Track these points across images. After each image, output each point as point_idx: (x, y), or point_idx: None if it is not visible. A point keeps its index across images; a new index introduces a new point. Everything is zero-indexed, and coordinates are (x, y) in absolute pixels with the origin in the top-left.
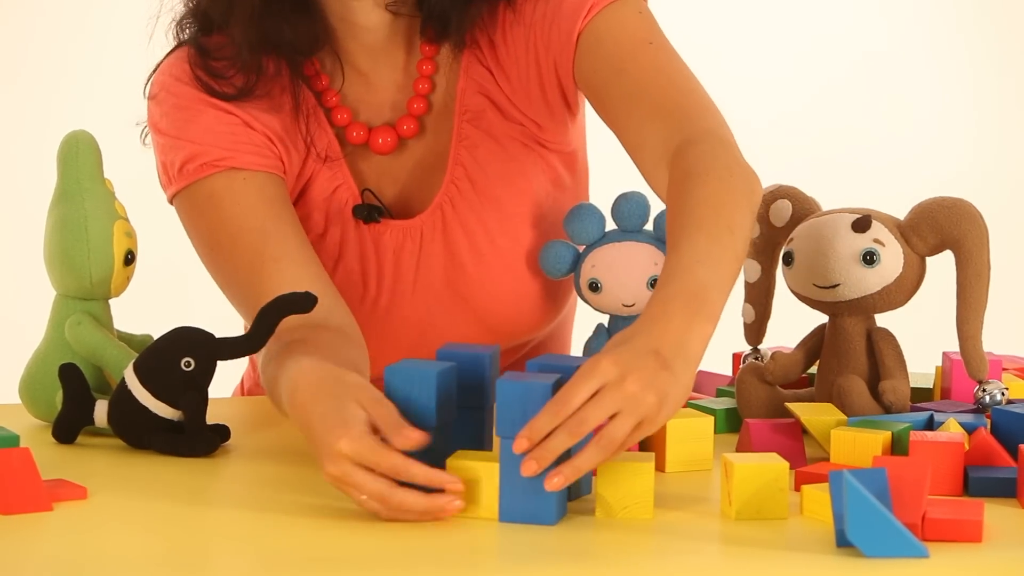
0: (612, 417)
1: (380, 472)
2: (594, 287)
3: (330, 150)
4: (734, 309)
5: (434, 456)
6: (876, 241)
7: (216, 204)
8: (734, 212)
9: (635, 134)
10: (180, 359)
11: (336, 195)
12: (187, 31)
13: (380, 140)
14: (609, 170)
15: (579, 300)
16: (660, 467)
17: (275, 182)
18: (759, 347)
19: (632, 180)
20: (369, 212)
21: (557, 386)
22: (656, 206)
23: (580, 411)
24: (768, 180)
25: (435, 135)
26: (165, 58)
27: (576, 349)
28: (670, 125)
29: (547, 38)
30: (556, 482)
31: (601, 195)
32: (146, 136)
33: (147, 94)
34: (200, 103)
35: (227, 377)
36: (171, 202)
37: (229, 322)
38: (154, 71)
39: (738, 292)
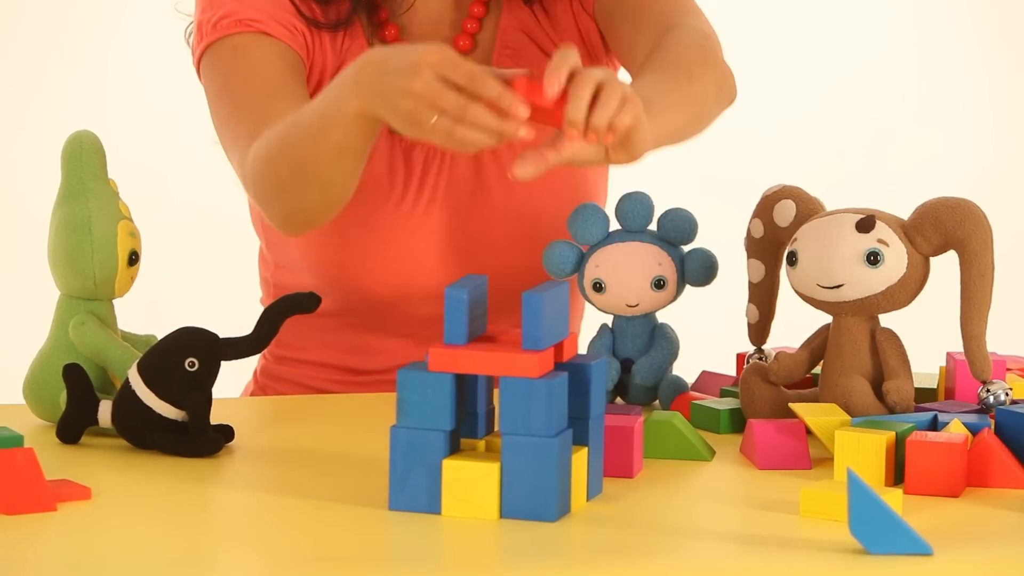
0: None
1: (457, 81)
2: (598, 287)
3: None
4: (738, 309)
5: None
6: (880, 241)
7: (239, 56)
8: (694, 66)
9: (629, 43)
10: (184, 359)
11: None
12: None
13: None
14: (611, 170)
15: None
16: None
17: (297, 58)
18: (763, 347)
19: (634, 180)
20: None
21: (561, 385)
22: (660, 206)
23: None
24: (776, 180)
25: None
26: None
27: (580, 349)
28: (660, 24)
29: None
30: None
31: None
32: (191, 30)
33: None
34: None
35: (234, 376)
36: (199, 67)
37: (232, 322)
38: None
39: (742, 292)
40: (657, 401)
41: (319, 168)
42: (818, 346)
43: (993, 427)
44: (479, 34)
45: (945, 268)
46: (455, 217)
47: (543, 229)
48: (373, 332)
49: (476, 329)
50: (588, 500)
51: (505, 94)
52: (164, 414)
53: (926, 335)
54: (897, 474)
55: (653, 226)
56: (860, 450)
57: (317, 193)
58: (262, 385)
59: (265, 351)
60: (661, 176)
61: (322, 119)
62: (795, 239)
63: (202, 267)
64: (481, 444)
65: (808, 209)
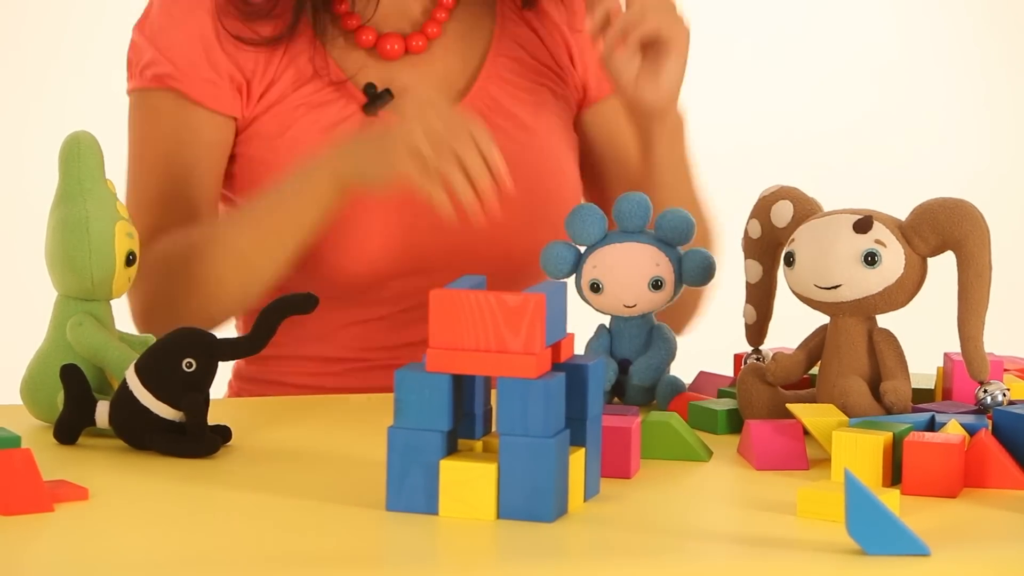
0: None
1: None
2: (595, 288)
3: (331, 70)
4: (735, 309)
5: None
6: (877, 242)
7: (155, 120)
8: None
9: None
10: (181, 360)
11: (334, 95)
12: None
13: (389, 46)
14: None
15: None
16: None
17: (212, 122)
18: (760, 348)
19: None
20: (378, 96)
21: (559, 386)
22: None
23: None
24: (773, 181)
25: (457, 59)
26: None
27: (578, 349)
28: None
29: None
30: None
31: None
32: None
33: None
34: (192, 5)
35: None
36: (128, 93)
37: (231, 323)
38: None
39: (739, 293)
40: (655, 402)
41: (262, 255)
42: (815, 347)
43: (991, 428)
44: (453, 24)
45: (943, 269)
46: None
47: (519, 205)
48: (343, 313)
49: None
50: (585, 501)
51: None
52: (161, 415)
53: (923, 336)
54: (894, 475)
55: (651, 227)
56: (857, 451)
57: (239, 289)
58: (236, 389)
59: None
60: None
61: (282, 203)
62: (792, 240)
63: None
64: (478, 445)
65: (805, 210)
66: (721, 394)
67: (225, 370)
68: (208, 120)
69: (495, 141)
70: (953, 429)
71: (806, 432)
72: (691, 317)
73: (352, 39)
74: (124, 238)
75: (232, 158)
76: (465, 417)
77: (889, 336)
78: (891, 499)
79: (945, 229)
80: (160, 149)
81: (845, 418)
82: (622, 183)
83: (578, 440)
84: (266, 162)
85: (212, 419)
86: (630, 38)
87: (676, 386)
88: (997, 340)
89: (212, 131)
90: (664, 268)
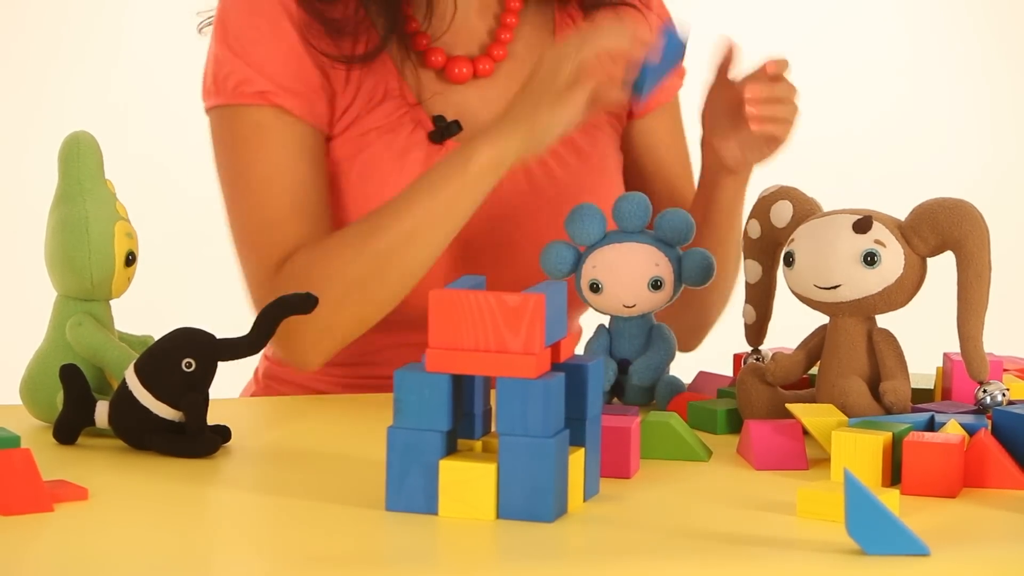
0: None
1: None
2: (595, 288)
3: (401, 85)
4: (735, 310)
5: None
6: (877, 242)
7: (261, 137)
8: None
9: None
10: (181, 360)
11: (403, 120)
12: None
13: (457, 70)
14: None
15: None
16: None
17: (314, 135)
18: (760, 348)
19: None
20: (447, 128)
21: (558, 386)
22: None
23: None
24: (773, 181)
25: (518, 82)
26: None
27: (578, 349)
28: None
29: None
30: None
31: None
32: (206, 24)
33: None
34: (276, 16)
35: (232, 377)
36: (208, 110)
37: (230, 323)
38: None
39: (739, 293)
40: (654, 402)
41: (427, 237)
42: (815, 347)
43: (990, 428)
44: (515, 45)
45: (942, 269)
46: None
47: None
48: (388, 336)
49: None
50: (585, 501)
51: None
52: (161, 415)
53: (923, 336)
54: (894, 475)
55: (650, 227)
56: (857, 451)
57: (398, 281)
58: (264, 386)
59: (267, 353)
60: None
61: (446, 184)
62: (792, 240)
63: (199, 268)
64: (478, 445)
65: (805, 210)
66: (721, 394)
67: (246, 368)
68: (311, 135)
69: (551, 167)
70: (953, 429)
71: (806, 432)
72: (719, 311)
73: (421, 59)
74: (124, 238)
75: None
76: (465, 417)
77: (889, 336)
78: (891, 499)
79: (945, 229)
80: (274, 164)
81: (845, 418)
82: (664, 197)
83: (578, 440)
84: (337, 186)
85: (213, 419)
86: (768, 125)
87: (676, 386)
88: (997, 340)
89: (316, 144)
90: (664, 268)
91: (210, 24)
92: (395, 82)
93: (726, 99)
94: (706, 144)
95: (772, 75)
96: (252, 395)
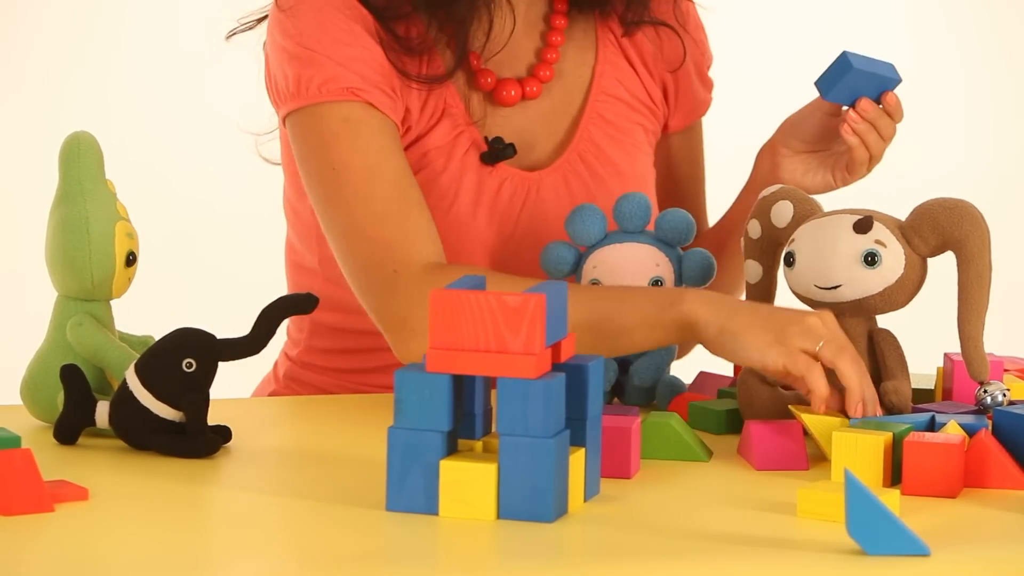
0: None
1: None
2: None
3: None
4: None
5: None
6: (877, 242)
7: (354, 131)
8: None
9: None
10: (181, 360)
11: (459, 140)
12: None
13: (506, 93)
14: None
15: None
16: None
17: (398, 133)
18: None
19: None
20: (502, 151)
21: (559, 386)
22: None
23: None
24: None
25: (561, 101)
26: None
27: None
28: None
29: (688, 75)
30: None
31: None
32: (242, 31)
33: (279, 4)
34: (353, 23)
35: (235, 376)
36: (285, 118)
37: (230, 323)
38: None
39: (739, 293)
40: (655, 402)
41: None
42: None
43: (991, 428)
44: (560, 63)
45: (943, 269)
46: (505, 224)
47: None
48: None
49: None
50: (585, 501)
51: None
52: (161, 415)
53: (924, 336)
54: (894, 475)
55: (651, 227)
56: (857, 451)
57: None
58: (284, 386)
59: (292, 354)
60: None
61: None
62: (792, 240)
63: (200, 268)
64: (479, 445)
65: (805, 210)
66: (721, 394)
67: (264, 365)
68: (395, 131)
69: (591, 188)
70: (953, 429)
71: (806, 433)
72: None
73: (473, 80)
74: (124, 238)
75: None
76: (465, 417)
77: (889, 336)
78: (891, 499)
79: (945, 229)
80: (374, 154)
81: (845, 418)
82: (696, 206)
83: (578, 440)
84: None
85: (213, 419)
86: (854, 138)
87: (676, 386)
88: (997, 340)
89: (399, 140)
90: (664, 268)
91: (243, 31)
92: (453, 100)
93: (825, 119)
94: (769, 152)
95: (888, 105)
96: (271, 394)
